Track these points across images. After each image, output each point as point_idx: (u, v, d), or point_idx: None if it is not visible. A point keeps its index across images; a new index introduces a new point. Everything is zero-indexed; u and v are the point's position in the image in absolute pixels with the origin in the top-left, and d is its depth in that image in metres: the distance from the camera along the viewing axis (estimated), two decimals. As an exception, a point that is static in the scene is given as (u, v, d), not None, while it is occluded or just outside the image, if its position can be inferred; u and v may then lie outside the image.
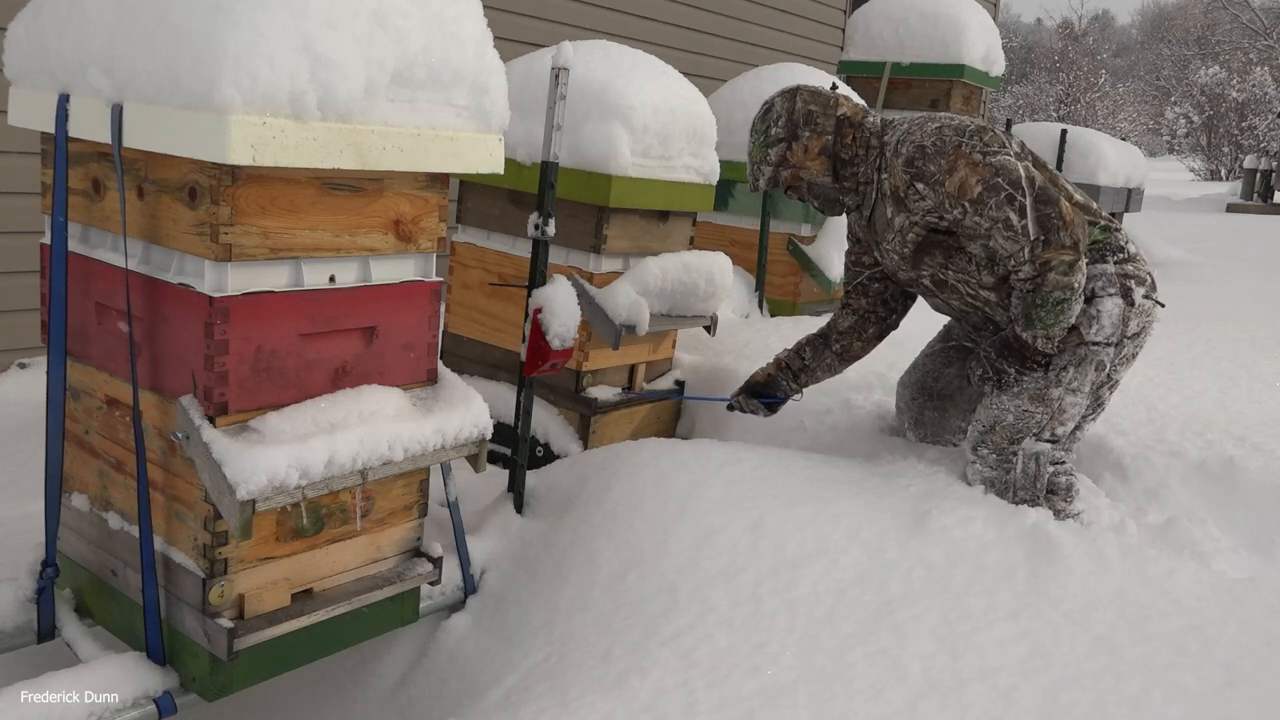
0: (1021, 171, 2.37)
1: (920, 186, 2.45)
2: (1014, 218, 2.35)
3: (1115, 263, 2.52)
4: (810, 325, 3.91)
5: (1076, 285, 2.38)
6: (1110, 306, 2.48)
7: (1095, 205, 2.60)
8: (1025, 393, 2.50)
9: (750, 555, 2.16)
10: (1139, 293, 2.51)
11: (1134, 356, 2.61)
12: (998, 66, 6.10)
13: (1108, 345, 2.50)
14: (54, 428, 1.89)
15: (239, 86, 1.53)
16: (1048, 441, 2.54)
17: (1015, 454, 2.53)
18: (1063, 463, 2.62)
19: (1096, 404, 2.65)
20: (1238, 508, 2.75)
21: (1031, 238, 2.34)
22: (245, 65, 1.54)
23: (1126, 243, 2.57)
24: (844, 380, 3.27)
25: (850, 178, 2.60)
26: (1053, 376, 2.49)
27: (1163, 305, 2.59)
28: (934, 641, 1.93)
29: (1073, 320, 2.45)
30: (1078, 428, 2.67)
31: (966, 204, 2.39)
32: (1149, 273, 2.57)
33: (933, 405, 2.90)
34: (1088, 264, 2.48)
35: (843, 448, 2.94)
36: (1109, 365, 2.54)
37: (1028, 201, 2.35)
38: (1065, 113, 33.73)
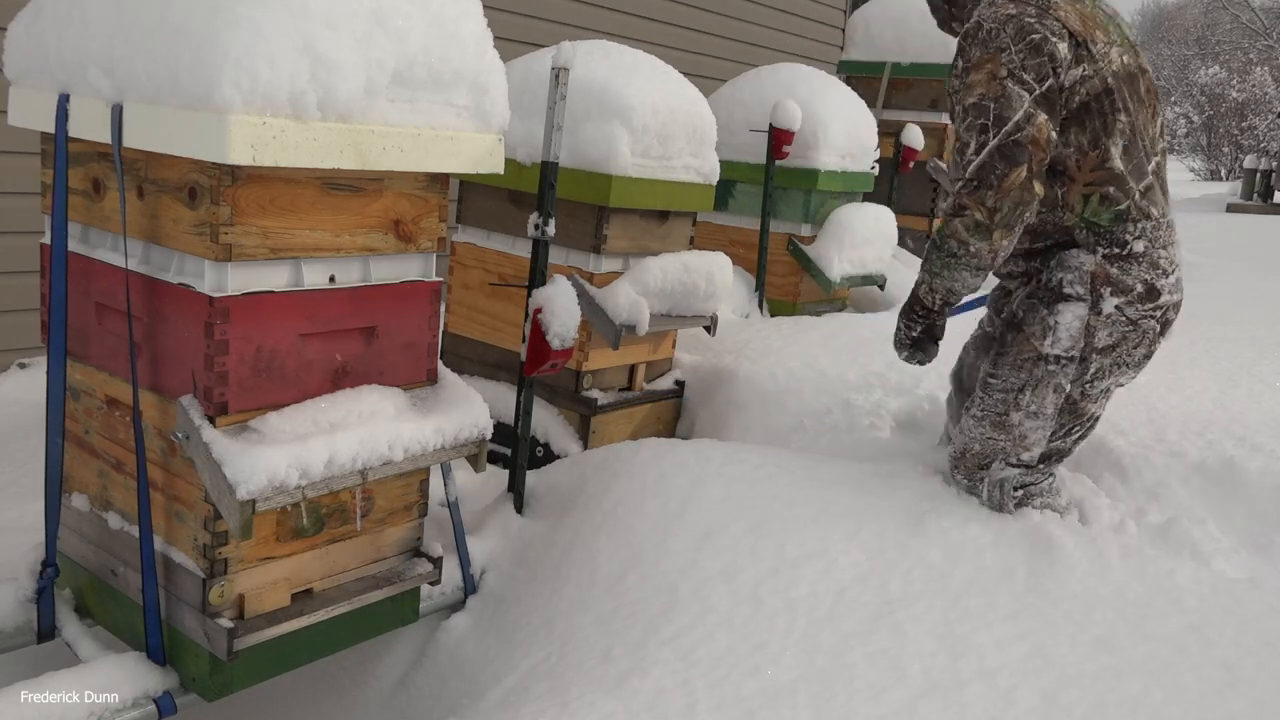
0: (1017, 115, 2.14)
1: (958, 60, 2.29)
2: (971, 145, 2.18)
3: (1104, 257, 2.29)
4: (810, 325, 3.92)
5: (974, 251, 2.19)
6: (1069, 317, 2.27)
7: (1133, 185, 2.28)
8: (987, 419, 2.39)
9: (750, 555, 2.16)
10: (1111, 301, 2.27)
11: (1121, 367, 2.36)
12: (998, 66, 6.10)
13: (1066, 360, 2.30)
14: (54, 428, 1.89)
15: (239, 86, 1.53)
16: (1014, 467, 2.40)
17: (982, 479, 2.43)
18: (1034, 484, 2.44)
19: (1079, 418, 2.43)
20: (1238, 508, 2.75)
21: (966, 176, 2.18)
22: (245, 65, 1.54)
23: (1136, 239, 2.29)
24: (843, 380, 3.27)
25: (960, 9, 2.46)
26: (1011, 399, 2.35)
27: (1153, 319, 2.32)
28: (934, 641, 1.93)
29: (960, 290, 2.29)
30: (1062, 449, 2.48)
31: (963, 104, 2.23)
32: (1145, 280, 2.29)
33: (963, 398, 2.76)
34: (1077, 251, 2.31)
35: (842, 448, 2.94)
36: (1070, 385, 2.34)
37: (991, 142, 2.15)
38: (1065, 113, 33.62)
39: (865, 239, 4.35)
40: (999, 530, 2.27)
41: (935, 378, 3.32)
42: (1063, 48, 2.19)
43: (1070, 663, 1.88)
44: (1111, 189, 2.27)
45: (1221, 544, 2.59)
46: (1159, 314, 2.32)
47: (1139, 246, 2.29)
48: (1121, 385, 2.45)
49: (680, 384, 3.35)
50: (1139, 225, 2.29)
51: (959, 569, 2.14)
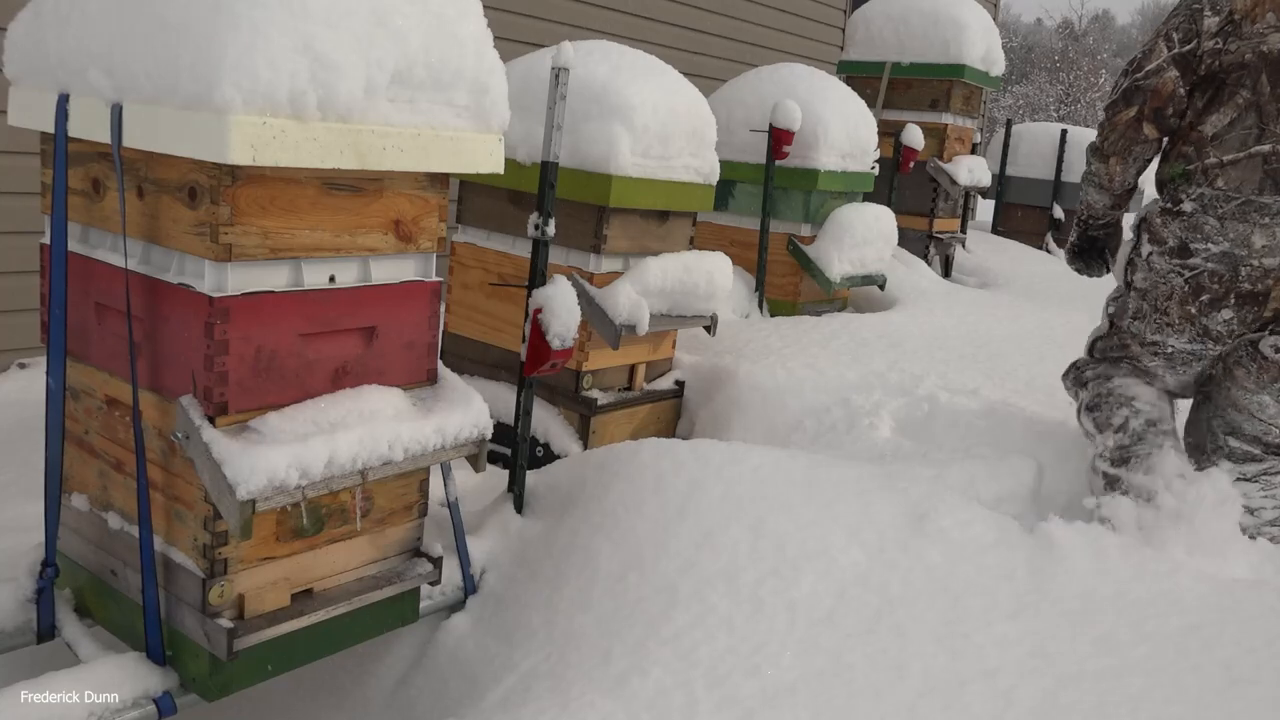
0: (1150, 65, 2.50)
1: None
2: (1115, 85, 2.63)
3: (1161, 210, 2.56)
4: (810, 325, 3.92)
5: (1094, 170, 2.69)
6: (1123, 253, 2.66)
7: (1210, 151, 2.47)
8: None
9: (750, 555, 2.16)
10: (1147, 247, 2.55)
11: (1159, 318, 2.55)
12: (998, 66, 6.10)
13: (1117, 288, 2.69)
14: (54, 428, 1.89)
15: (239, 86, 1.53)
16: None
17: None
18: (1088, 372, 2.74)
19: (1121, 347, 2.68)
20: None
21: (1105, 113, 2.65)
22: (245, 65, 1.54)
23: (1191, 200, 2.48)
24: (843, 380, 3.27)
25: None
26: None
27: (1180, 276, 2.48)
28: (934, 641, 1.93)
29: (1095, 205, 2.76)
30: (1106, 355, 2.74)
31: None
32: (1179, 237, 2.48)
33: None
34: (1150, 201, 2.64)
35: (842, 447, 2.94)
36: (1117, 313, 2.69)
37: (1124, 83, 2.56)
38: (1065, 113, 33.73)
39: (865, 239, 4.35)
40: (1000, 530, 2.27)
41: (936, 378, 3.32)
42: (1213, 21, 2.44)
43: (1070, 663, 1.88)
44: (1189, 149, 2.51)
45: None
46: (1187, 273, 2.46)
47: (1188, 207, 2.48)
48: (1177, 353, 2.55)
49: (680, 384, 3.35)
50: (1198, 190, 2.47)
51: (959, 569, 2.13)
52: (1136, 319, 2.61)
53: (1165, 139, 2.59)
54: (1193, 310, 2.46)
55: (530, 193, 2.91)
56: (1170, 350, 2.52)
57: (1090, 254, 2.91)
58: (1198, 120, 2.48)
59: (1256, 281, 2.41)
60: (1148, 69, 2.49)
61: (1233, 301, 2.44)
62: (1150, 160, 2.63)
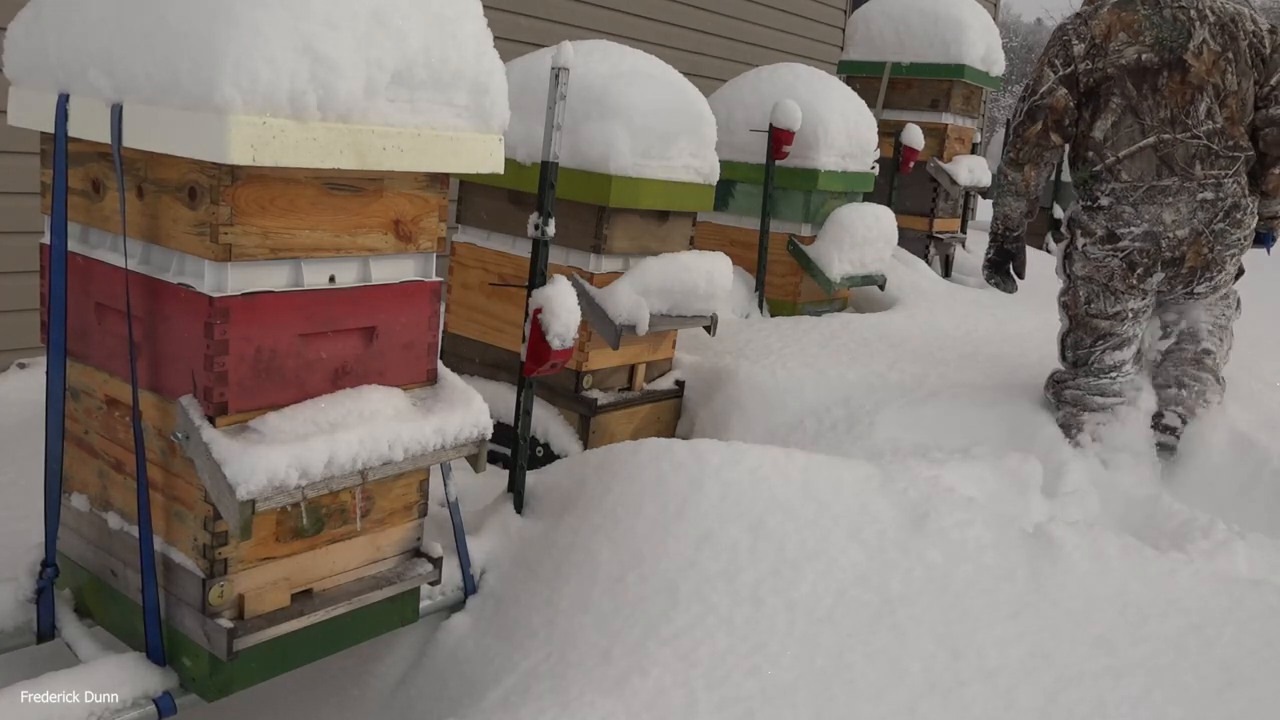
0: (1042, 88, 2.98)
1: None
2: (1016, 110, 3.08)
3: (1082, 207, 3.04)
4: (810, 325, 3.92)
5: (1011, 179, 3.08)
6: (1061, 247, 3.13)
7: (1109, 153, 2.93)
8: None
9: (750, 555, 2.16)
10: (1081, 240, 3.03)
11: (1113, 294, 2.99)
12: (998, 66, 6.09)
13: (1064, 283, 3.13)
14: (54, 428, 1.89)
15: (239, 86, 1.53)
16: (1062, 366, 3.19)
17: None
18: (1069, 383, 3.11)
19: (1091, 333, 3.06)
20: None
21: (1011, 129, 3.08)
22: (245, 65, 1.54)
23: (1105, 195, 2.95)
24: (844, 380, 3.27)
25: None
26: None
27: (1117, 258, 2.94)
28: (934, 641, 1.93)
29: (1011, 214, 3.15)
30: (1086, 360, 3.08)
31: None
32: (1105, 227, 2.95)
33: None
34: (1073, 203, 3.11)
35: (842, 447, 2.94)
36: (1069, 302, 3.11)
37: (1024, 106, 3.03)
38: (1065, 113, 33.65)
39: (865, 239, 4.35)
40: (1000, 530, 2.27)
41: (936, 379, 3.32)
42: (1080, 47, 2.96)
43: (1070, 663, 1.88)
44: (1090, 153, 2.99)
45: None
46: (1121, 254, 2.97)
47: (1105, 201, 2.97)
48: (1135, 311, 3.02)
49: (680, 384, 3.35)
50: (1108, 185, 2.96)
51: (959, 569, 2.14)
52: (1091, 302, 3.04)
53: (1066, 145, 3.07)
54: (1133, 281, 2.98)
55: (530, 193, 2.91)
56: (1132, 310, 3.02)
57: (1004, 268, 3.28)
58: (1088, 128, 2.97)
59: (1175, 249, 2.93)
60: (1041, 91, 2.98)
61: (1160, 268, 2.96)
62: (1054, 165, 3.10)
